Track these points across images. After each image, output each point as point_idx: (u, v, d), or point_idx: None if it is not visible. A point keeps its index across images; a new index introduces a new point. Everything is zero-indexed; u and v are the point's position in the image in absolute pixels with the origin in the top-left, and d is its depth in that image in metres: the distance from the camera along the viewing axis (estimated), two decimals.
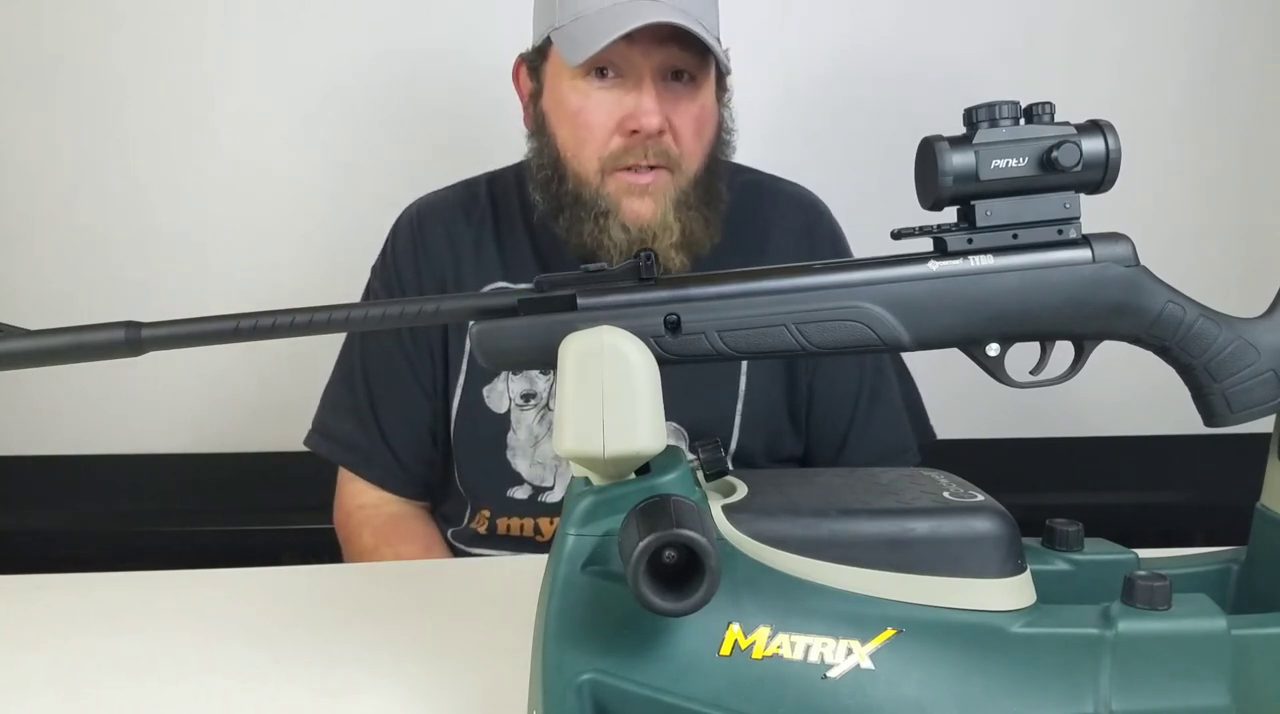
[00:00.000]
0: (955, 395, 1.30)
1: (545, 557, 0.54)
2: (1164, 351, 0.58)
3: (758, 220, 1.12)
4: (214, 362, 1.51)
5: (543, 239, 1.09)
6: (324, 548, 1.18)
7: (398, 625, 0.76)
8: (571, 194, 1.00)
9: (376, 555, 1.07)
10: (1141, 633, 0.50)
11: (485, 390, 1.08)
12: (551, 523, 1.08)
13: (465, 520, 1.13)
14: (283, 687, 0.68)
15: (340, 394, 1.13)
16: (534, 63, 1.04)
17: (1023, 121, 0.55)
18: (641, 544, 0.45)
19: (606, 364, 0.52)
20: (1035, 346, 0.59)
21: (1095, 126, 0.55)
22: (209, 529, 1.53)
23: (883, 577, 0.51)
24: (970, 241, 0.56)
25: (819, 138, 1.58)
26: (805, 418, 1.13)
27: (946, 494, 0.55)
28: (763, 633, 0.50)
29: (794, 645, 0.50)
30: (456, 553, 1.12)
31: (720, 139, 1.05)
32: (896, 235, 0.58)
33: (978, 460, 1.19)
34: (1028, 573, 0.53)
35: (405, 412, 1.11)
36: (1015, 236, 0.56)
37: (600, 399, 0.51)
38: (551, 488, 1.08)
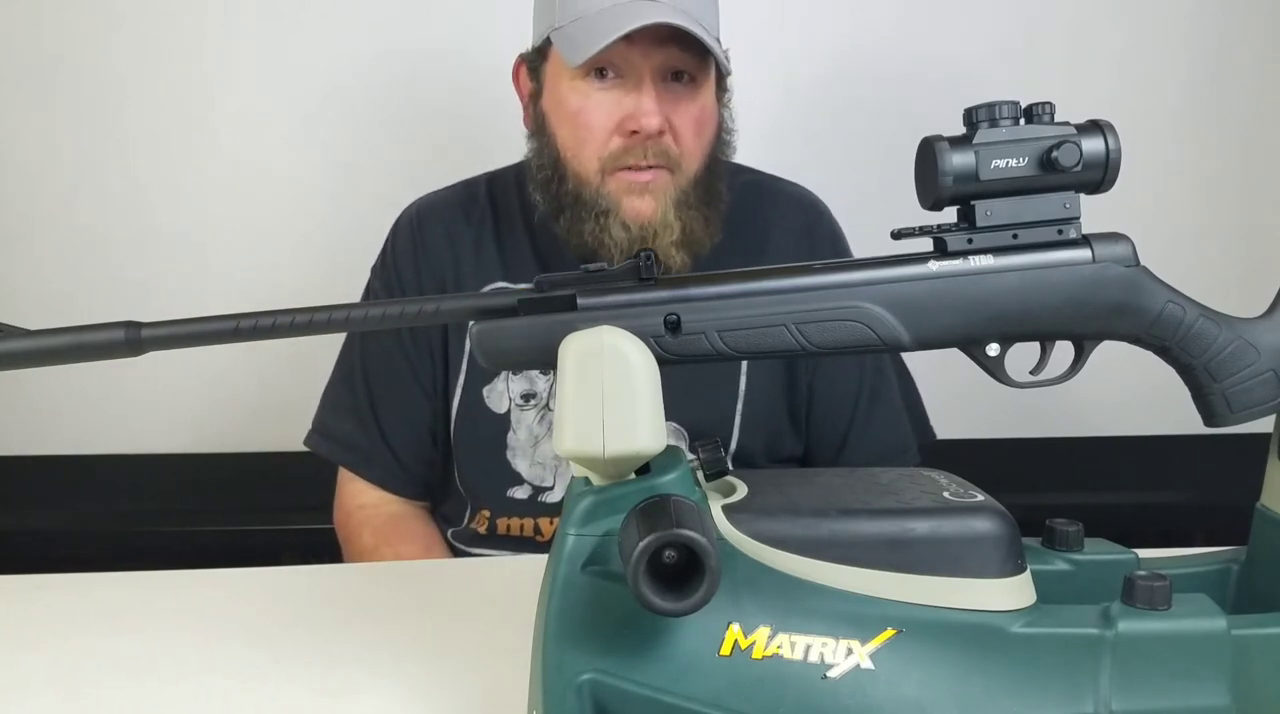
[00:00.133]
0: (955, 395, 1.30)
1: (545, 557, 0.54)
2: (1164, 352, 0.58)
3: (758, 220, 1.12)
4: (214, 362, 1.51)
5: (542, 239, 1.09)
6: (324, 548, 1.18)
7: (398, 625, 0.76)
8: (572, 194, 1.00)
9: (376, 555, 1.07)
10: (1141, 633, 0.50)
11: (485, 390, 1.08)
12: (551, 523, 1.08)
13: (465, 520, 1.13)
14: (283, 687, 0.68)
15: (340, 394, 1.13)
16: (534, 63, 1.04)
17: (1023, 121, 0.55)
18: (641, 544, 0.45)
19: (606, 364, 0.52)
20: (1035, 347, 0.59)
21: (1095, 126, 0.55)
22: (209, 529, 1.53)
23: (883, 577, 0.51)
24: (970, 241, 0.56)
25: (819, 138, 1.58)
26: (805, 418, 1.13)
27: (946, 494, 0.55)
28: (763, 633, 0.50)
29: (794, 645, 0.50)
30: (456, 553, 1.12)
31: (720, 139, 1.05)
32: (896, 235, 0.58)
33: (978, 460, 1.19)
34: (1028, 573, 0.53)
35: (405, 411, 1.11)
36: (1015, 236, 0.56)
37: (600, 399, 0.52)
38: (551, 488, 1.08)
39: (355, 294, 1.19)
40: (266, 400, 1.55)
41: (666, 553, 0.46)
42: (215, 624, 0.78)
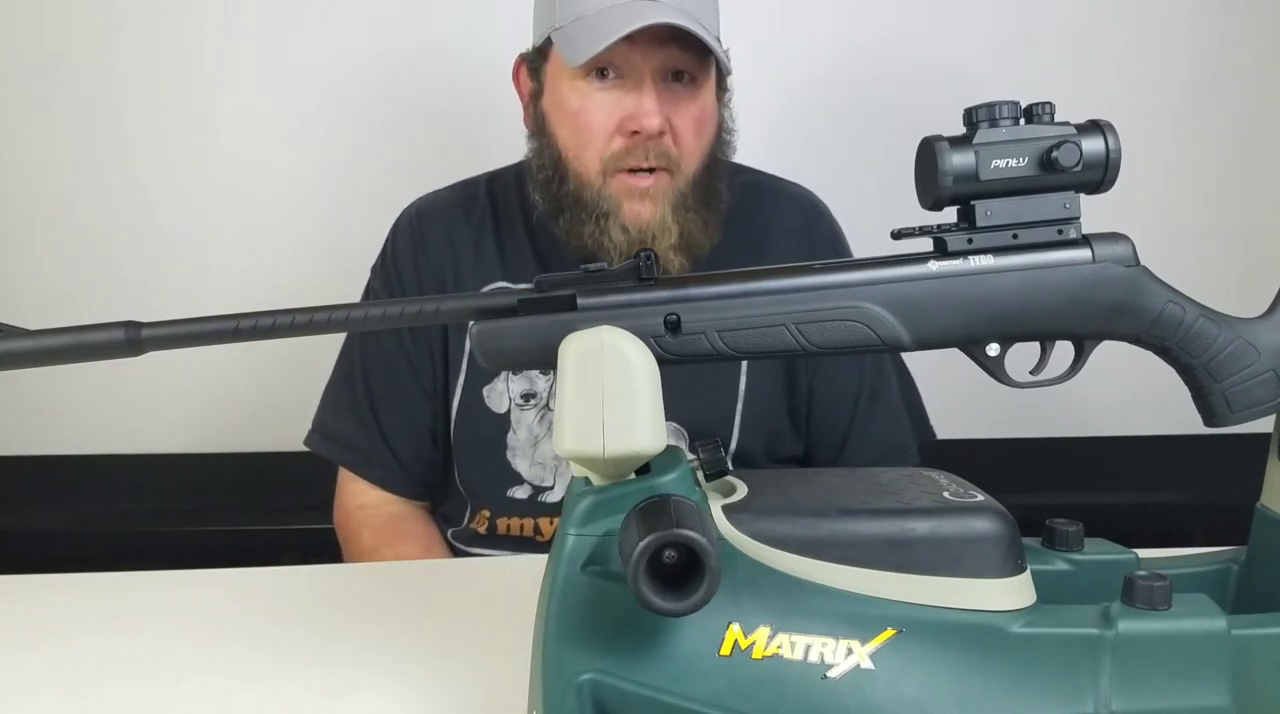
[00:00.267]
0: (955, 395, 1.30)
1: (545, 557, 0.54)
2: (1164, 352, 0.58)
3: (758, 220, 1.12)
4: (214, 362, 1.51)
5: (542, 239, 1.09)
6: (324, 548, 1.18)
7: (398, 625, 0.76)
8: (572, 195, 1.00)
9: (376, 555, 1.07)
10: (1141, 633, 0.50)
11: (485, 390, 1.08)
12: (551, 523, 1.08)
13: (465, 520, 1.13)
14: (283, 687, 0.68)
15: (340, 394, 1.13)
16: (534, 63, 1.04)
17: (1023, 121, 0.55)
18: (641, 544, 0.45)
19: (606, 364, 0.52)
20: (1035, 347, 0.59)
21: (1095, 126, 0.55)
22: (209, 529, 1.53)
23: (883, 577, 0.51)
24: (970, 241, 0.56)
25: (819, 138, 1.58)
26: (805, 418, 1.13)
27: (946, 494, 0.55)
28: (763, 633, 0.50)
29: (794, 645, 0.50)
30: (456, 553, 1.12)
31: (720, 139, 1.05)
32: (896, 235, 0.58)
33: (978, 460, 1.19)
34: (1028, 573, 0.53)
35: (405, 412, 1.11)
36: (1015, 236, 0.56)
37: (600, 399, 0.51)
38: (551, 488, 1.08)
39: (355, 294, 1.19)
40: (266, 400, 1.55)
41: (666, 553, 0.46)
42: (215, 624, 0.78)
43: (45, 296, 1.55)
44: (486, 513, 1.10)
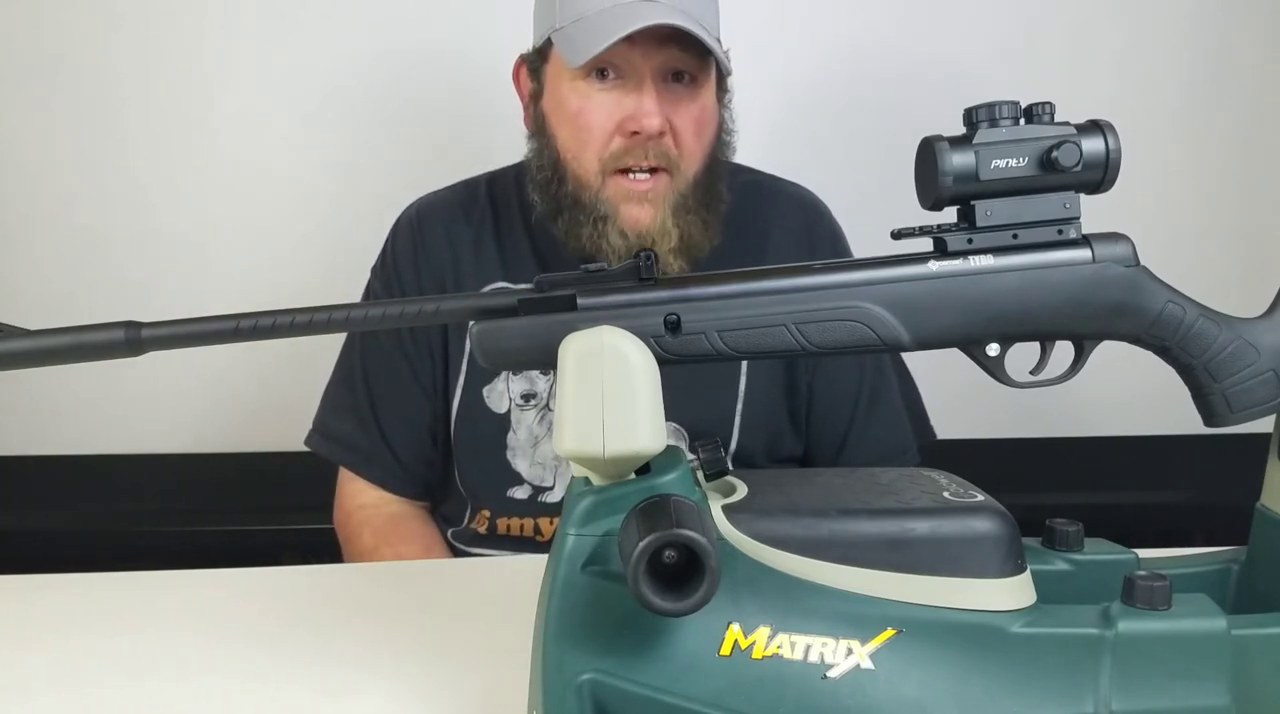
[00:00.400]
0: (955, 395, 1.30)
1: (545, 557, 0.54)
2: (1164, 352, 0.58)
3: (758, 220, 1.12)
4: (214, 362, 1.51)
5: (542, 239, 1.09)
6: (324, 548, 1.18)
7: (398, 625, 0.76)
8: (571, 196, 1.00)
9: (376, 555, 1.07)
10: (1141, 633, 0.50)
11: (485, 390, 1.08)
12: (551, 523, 1.08)
13: (465, 520, 1.13)
14: (283, 687, 0.68)
15: (340, 394, 1.13)
16: (534, 64, 1.04)
17: (1023, 121, 0.55)
18: (641, 544, 0.45)
19: (606, 364, 0.52)
20: (1035, 347, 0.59)
21: (1095, 126, 0.55)
22: (209, 529, 1.53)
23: (883, 577, 0.51)
24: (970, 241, 0.56)
25: (819, 138, 1.58)
26: (805, 418, 1.13)
27: (946, 494, 0.55)
28: (763, 633, 0.50)
29: (794, 645, 0.50)
30: (456, 553, 1.12)
31: (721, 140, 1.05)
32: (896, 235, 0.58)
33: (978, 460, 1.19)
34: (1028, 573, 0.53)
35: (405, 412, 1.11)
36: (1015, 236, 0.56)
37: (600, 399, 0.52)
38: (551, 488, 1.08)
39: (355, 294, 1.19)
40: (266, 400, 1.55)
41: (666, 553, 0.46)
42: (215, 624, 0.78)
43: (45, 296, 1.55)
44: (486, 513, 1.10)
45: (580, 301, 0.55)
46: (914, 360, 1.20)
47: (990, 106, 0.55)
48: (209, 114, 1.54)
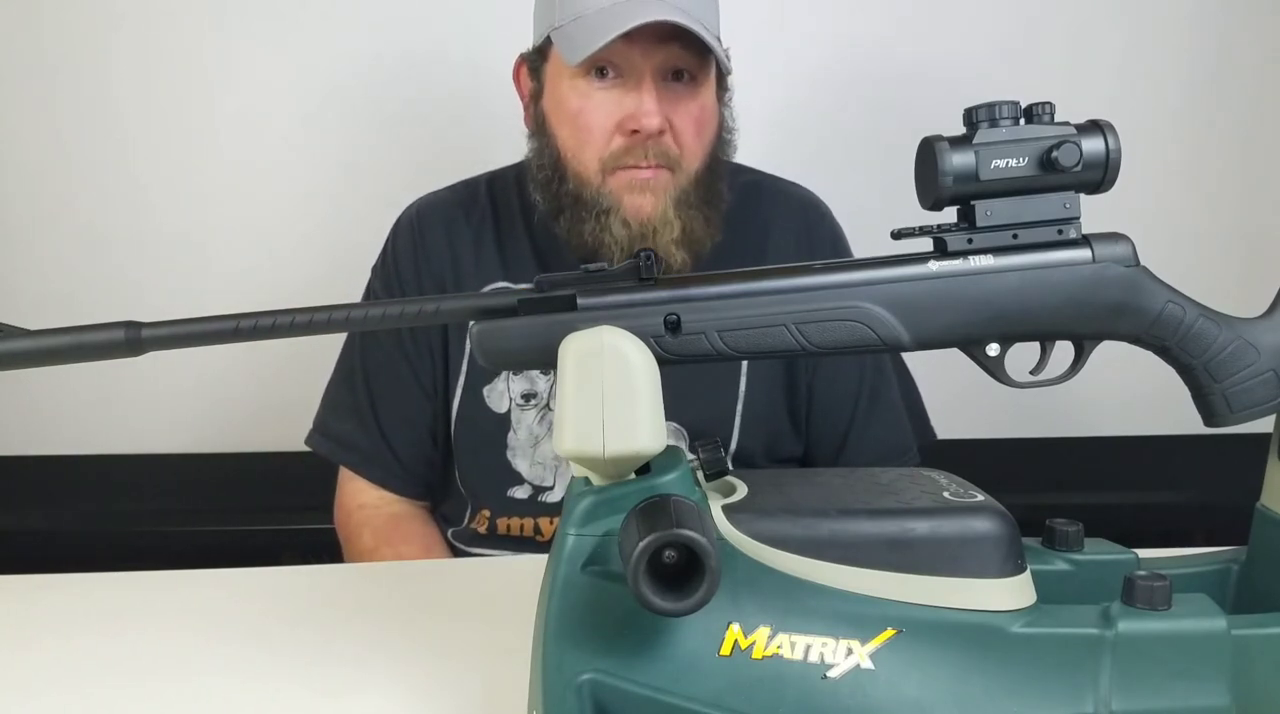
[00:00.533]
0: (955, 395, 1.30)
1: (545, 557, 0.54)
2: (1164, 352, 0.58)
3: (758, 220, 1.12)
4: (214, 362, 1.51)
5: (543, 239, 1.09)
6: (324, 548, 1.18)
7: (398, 625, 0.76)
8: (572, 194, 1.00)
9: (376, 556, 1.07)
10: (1141, 633, 0.50)
11: (485, 390, 1.08)
12: (551, 523, 1.08)
13: (465, 520, 1.13)
14: (283, 687, 0.68)
15: (341, 394, 1.13)
16: (534, 63, 1.04)
17: (1023, 121, 0.55)
18: (641, 544, 0.45)
19: (606, 364, 0.52)
20: (1035, 347, 0.59)
21: (1095, 126, 0.55)
22: (209, 529, 1.53)
23: (883, 577, 0.51)
24: (970, 241, 0.56)
25: (819, 138, 1.58)
26: (805, 418, 1.13)
27: (946, 494, 0.55)
28: (763, 633, 0.50)
29: (794, 645, 0.50)
30: (456, 553, 1.12)
31: (721, 139, 1.05)
32: (896, 235, 0.58)
33: (978, 460, 1.19)
34: (1028, 573, 0.53)
35: (405, 411, 1.11)
36: (1015, 236, 0.56)
37: (600, 399, 0.52)
38: (551, 488, 1.08)
39: (355, 294, 1.19)
40: (266, 400, 1.55)
41: (666, 553, 0.46)
42: (215, 624, 0.78)
43: (45, 296, 1.55)
44: (487, 513, 1.10)
45: (580, 301, 0.55)
46: (914, 360, 1.20)
47: (990, 106, 0.55)
48: (209, 114, 1.54)
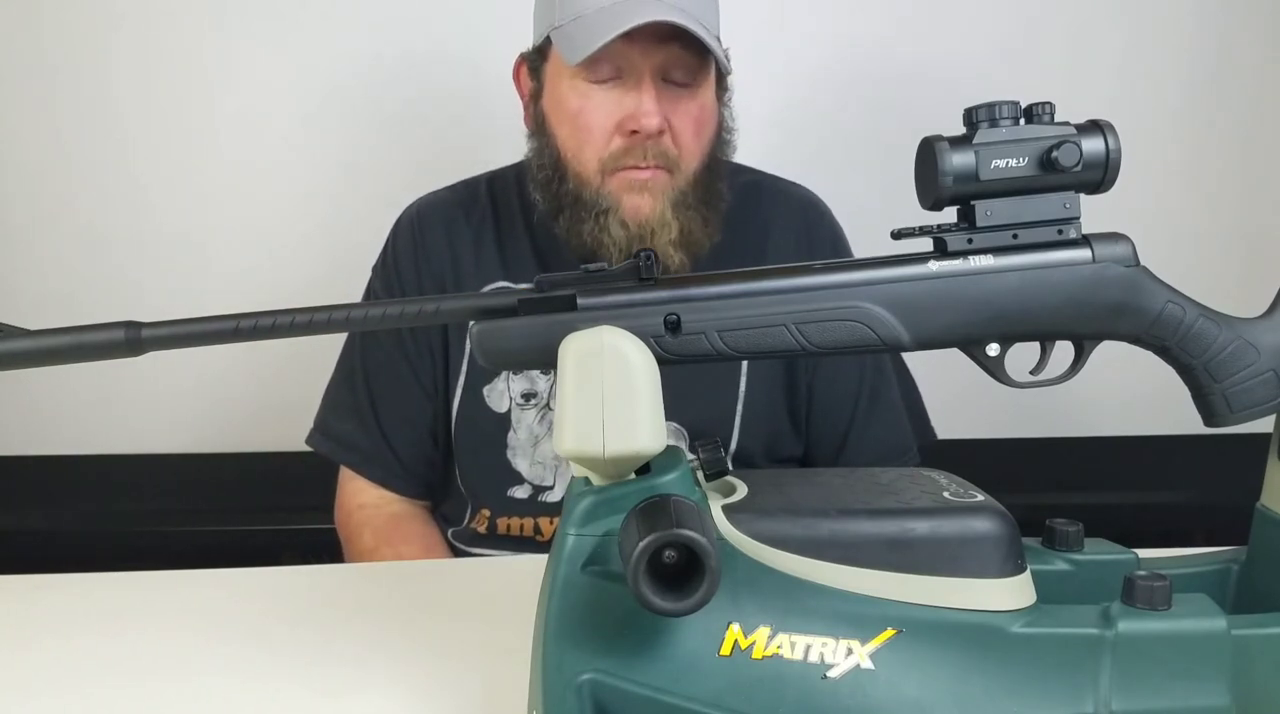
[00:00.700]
0: (955, 395, 1.30)
1: (545, 557, 0.54)
2: (1164, 352, 0.58)
3: (758, 220, 1.12)
4: (214, 362, 1.51)
5: (543, 239, 1.09)
6: (324, 548, 1.18)
7: (398, 625, 0.76)
8: (572, 194, 1.00)
9: (377, 555, 1.07)
10: (1141, 633, 0.50)
11: (485, 390, 1.08)
12: (551, 523, 1.08)
13: (465, 520, 1.13)
14: (283, 687, 0.68)
15: (341, 394, 1.13)
16: (534, 63, 1.04)
17: (1023, 121, 0.55)
18: (641, 544, 0.45)
19: (606, 364, 0.52)
20: (1035, 347, 0.59)
21: (1095, 126, 0.55)
22: (209, 529, 1.53)
23: (883, 577, 0.51)
24: (970, 241, 0.56)
25: (819, 138, 1.58)
26: (805, 418, 1.13)
27: (946, 494, 0.55)
28: (763, 633, 0.50)
29: (794, 645, 0.50)
30: (456, 553, 1.12)
31: (720, 139, 1.05)
32: (896, 235, 0.58)
33: (978, 460, 1.19)
34: (1028, 573, 0.53)
35: (406, 411, 1.11)
36: (1015, 236, 0.56)
37: (600, 399, 0.52)
38: (551, 487, 1.08)
39: (355, 294, 1.19)
40: (266, 400, 1.55)
41: (666, 553, 0.46)
42: (215, 624, 0.78)
43: (45, 296, 1.55)
44: (486, 512, 1.10)
45: (580, 301, 0.55)
46: (914, 360, 1.20)
47: (990, 106, 0.55)
48: (209, 114, 1.54)
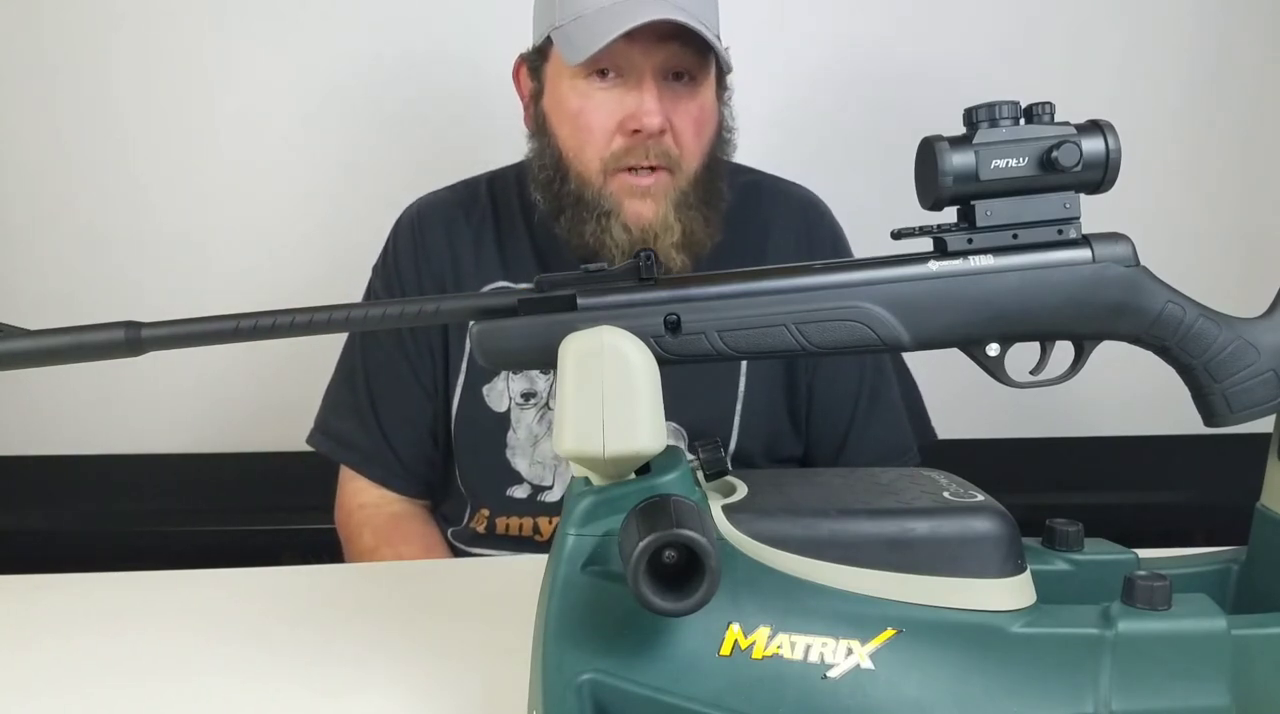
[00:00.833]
0: (955, 395, 1.30)
1: (545, 557, 0.54)
2: (1164, 352, 0.58)
3: (758, 220, 1.12)
4: (214, 362, 1.51)
5: (543, 239, 1.09)
6: (324, 548, 1.18)
7: (398, 625, 0.76)
8: (573, 194, 1.00)
9: (377, 555, 1.07)
10: (1141, 633, 0.50)
11: (485, 389, 1.08)
12: (551, 522, 1.08)
13: (465, 520, 1.13)
14: (283, 687, 0.68)
15: (341, 394, 1.13)
16: (534, 63, 1.04)
17: (1023, 121, 0.55)
18: (641, 544, 0.45)
19: (606, 364, 0.52)
20: (1035, 347, 0.59)
21: (1095, 126, 0.55)
22: (209, 529, 1.54)
23: (883, 577, 0.51)
24: (970, 241, 0.56)
25: (819, 138, 1.58)
26: (805, 418, 1.13)
27: (946, 494, 0.55)
28: (763, 633, 0.50)
29: (794, 645, 0.50)
30: (456, 553, 1.12)
31: (721, 138, 1.05)
32: (896, 235, 0.58)
33: (978, 460, 1.19)
34: (1028, 573, 0.53)
35: (406, 411, 1.11)
36: (1015, 236, 0.56)
37: (600, 399, 0.51)
38: (551, 487, 1.08)
39: (355, 294, 1.19)
40: (266, 400, 1.55)
41: (666, 553, 0.46)
42: (215, 624, 0.78)
43: (45, 296, 1.55)
44: (486, 512, 1.10)
45: (580, 301, 0.55)
46: (914, 360, 1.20)
47: (990, 106, 0.55)
48: (209, 114, 1.54)
